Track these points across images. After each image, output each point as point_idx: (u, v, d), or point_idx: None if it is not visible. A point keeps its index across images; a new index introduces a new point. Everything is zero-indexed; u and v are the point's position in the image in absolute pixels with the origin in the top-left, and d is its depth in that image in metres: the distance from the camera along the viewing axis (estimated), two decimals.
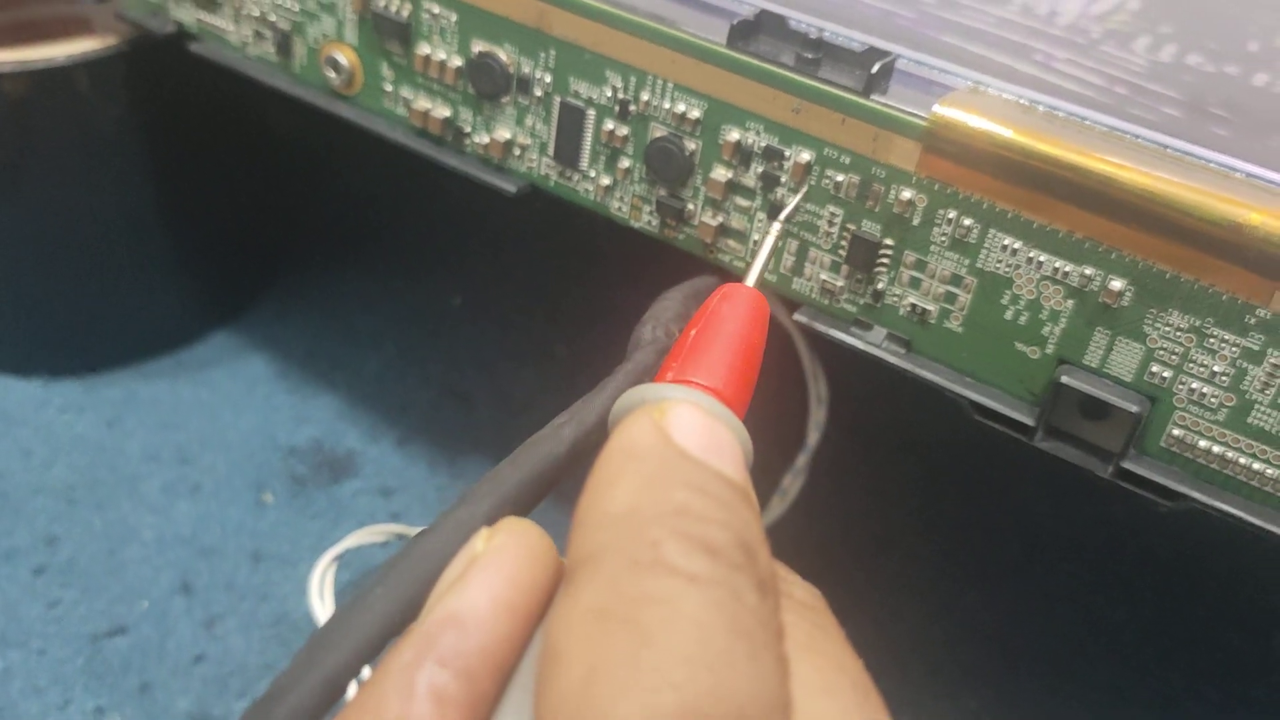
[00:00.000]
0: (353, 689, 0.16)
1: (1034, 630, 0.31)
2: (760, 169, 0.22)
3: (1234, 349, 0.18)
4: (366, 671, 0.15)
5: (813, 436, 0.30)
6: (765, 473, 0.28)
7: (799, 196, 0.21)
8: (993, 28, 0.24)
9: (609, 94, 0.23)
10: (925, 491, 0.35)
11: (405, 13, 0.24)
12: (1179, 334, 0.19)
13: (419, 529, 0.26)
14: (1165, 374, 0.19)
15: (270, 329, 0.39)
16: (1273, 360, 0.18)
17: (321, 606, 0.27)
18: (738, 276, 0.23)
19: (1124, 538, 0.35)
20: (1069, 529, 0.35)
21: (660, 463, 0.15)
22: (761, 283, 0.20)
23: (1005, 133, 0.19)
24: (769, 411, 0.31)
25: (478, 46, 0.24)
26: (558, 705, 0.12)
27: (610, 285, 0.23)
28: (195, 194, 0.36)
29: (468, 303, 0.41)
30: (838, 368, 0.29)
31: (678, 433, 0.15)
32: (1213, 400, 0.19)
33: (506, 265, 0.42)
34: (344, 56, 0.26)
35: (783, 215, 0.21)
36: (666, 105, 0.22)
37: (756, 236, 0.22)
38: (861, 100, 0.20)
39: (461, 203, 0.44)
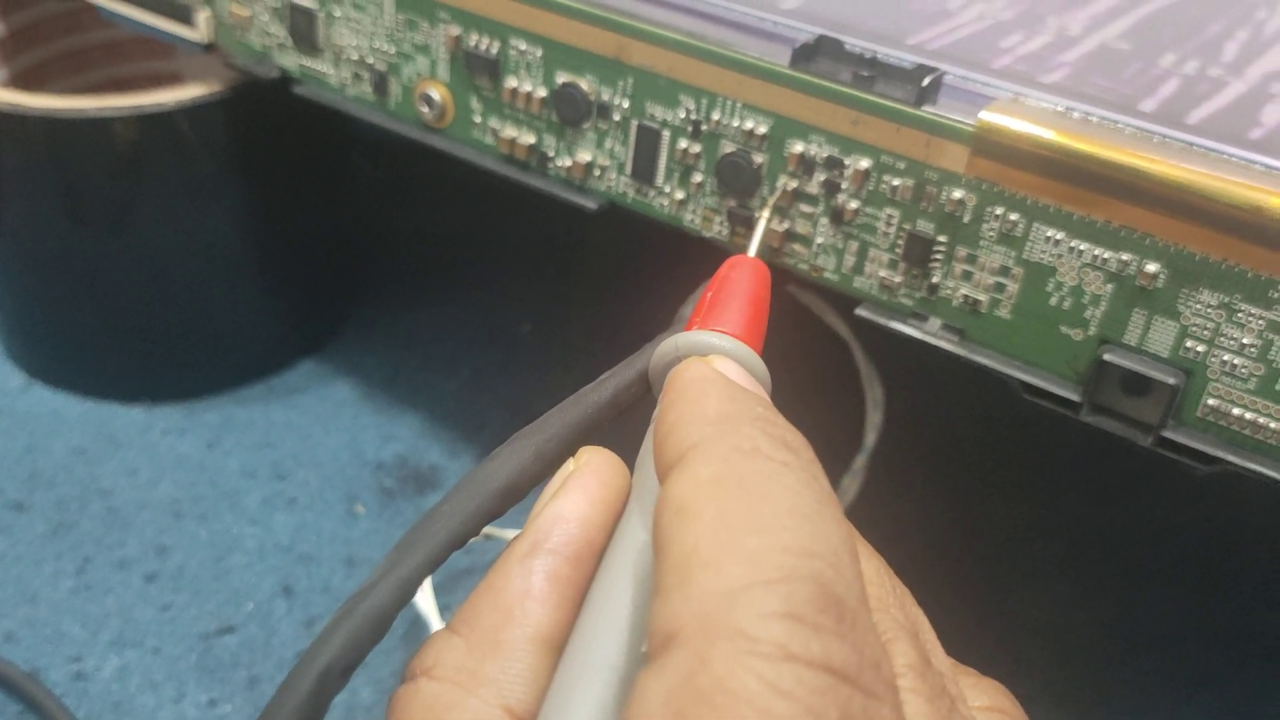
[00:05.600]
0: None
1: (1080, 622, 0.33)
2: (823, 177, 0.24)
3: (1260, 322, 0.20)
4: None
5: (870, 438, 0.32)
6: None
7: (780, 189, 0.24)
8: (1021, 47, 0.26)
9: (682, 115, 0.25)
10: (976, 493, 0.37)
11: (494, 50, 0.27)
12: (1210, 311, 0.21)
13: (501, 530, 0.29)
14: (1199, 348, 0.21)
15: (353, 356, 0.41)
16: None
17: (423, 600, 0.29)
18: (803, 276, 0.25)
19: (1166, 536, 0.36)
20: (1112, 528, 0.36)
21: (733, 387, 0.18)
22: (760, 252, 0.24)
23: (1046, 134, 0.21)
24: (828, 414, 0.33)
25: (561, 78, 0.26)
26: (693, 545, 0.15)
27: (666, 308, 0.26)
28: (285, 231, 0.39)
29: (536, 330, 0.43)
30: (893, 371, 0.31)
31: (729, 373, 0.19)
32: (1243, 371, 0.21)
33: (571, 294, 0.45)
34: (437, 93, 0.28)
35: (771, 200, 0.24)
36: (735, 123, 0.24)
37: (821, 240, 0.24)
38: (914, 111, 0.22)
39: (527, 237, 0.47)
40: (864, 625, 0.15)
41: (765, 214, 0.24)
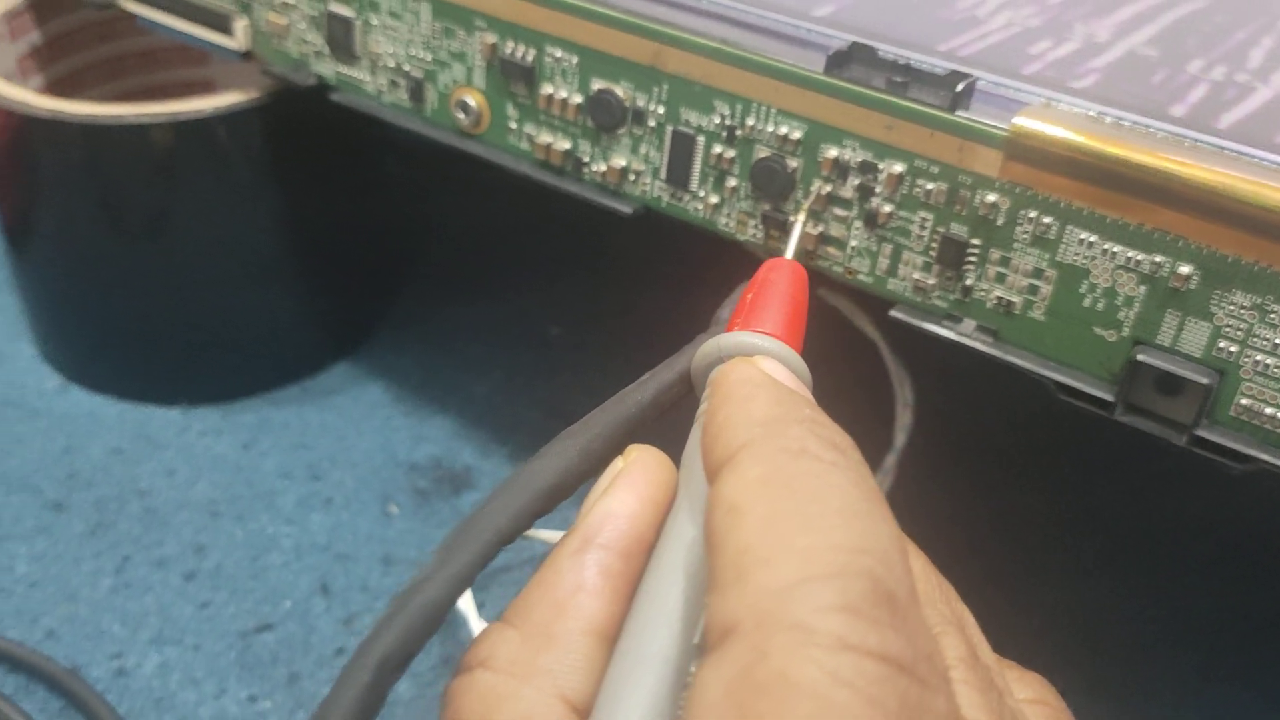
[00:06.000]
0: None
1: (1117, 620, 0.33)
2: (857, 181, 0.24)
3: None
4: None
5: (899, 438, 0.32)
6: None
7: (814, 193, 0.25)
8: (1050, 53, 0.27)
9: (717, 121, 0.25)
10: (1008, 492, 0.37)
11: (530, 57, 0.27)
12: (1243, 312, 0.21)
13: (537, 531, 0.29)
14: (1232, 349, 0.21)
15: (386, 359, 0.42)
16: None
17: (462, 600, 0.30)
18: (838, 278, 0.26)
19: (1200, 533, 0.36)
20: (1147, 526, 0.37)
21: (780, 388, 0.19)
22: (797, 255, 0.24)
23: (1079, 139, 0.22)
24: (858, 415, 0.34)
25: (597, 84, 0.27)
26: (746, 543, 0.15)
27: (695, 313, 0.26)
28: (320, 235, 0.39)
29: (567, 332, 0.43)
30: (922, 373, 0.31)
31: (774, 373, 0.19)
32: (1276, 371, 0.21)
33: (603, 297, 0.45)
34: (473, 99, 0.29)
35: (806, 204, 0.25)
36: (770, 128, 0.25)
37: (855, 243, 0.25)
38: (948, 116, 0.23)
39: (560, 240, 0.47)
40: (916, 619, 0.15)
41: (801, 218, 0.25)
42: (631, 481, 0.19)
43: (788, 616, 0.14)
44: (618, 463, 0.20)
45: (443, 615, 0.18)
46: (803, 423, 0.17)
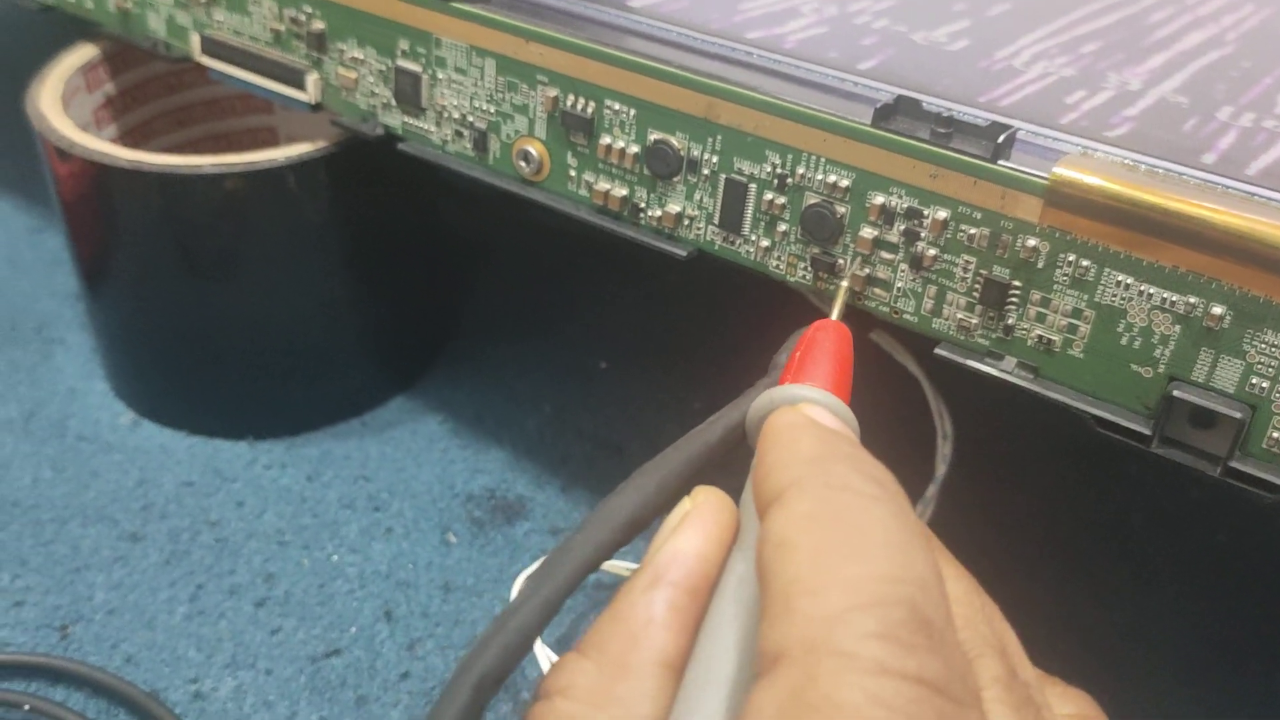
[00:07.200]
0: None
1: (1148, 644, 0.34)
2: (903, 227, 0.26)
3: None
4: None
5: (940, 469, 0.33)
6: None
7: (852, 267, 0.26)
8: (1085, 103, 0.28)
9: (768, 170, 0.27)
10: (1043, 522, 0.38)
11: (590, 110, 0.29)
12: (1274, 349, 0.22)
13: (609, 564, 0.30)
14: (1263, 384, 0.22)
15: (443, 394, 0.43)
16: None
17: None
18: (884, 318, 0.27)
19: (1229, 562, 0.37)
20: (1177, 555, 0.37)
21: (824, 430, 0.20)
22: (841, 316, 0.26)
23: (1115, 187, 0.23)
24: (900, 446, 0.35)
25: (653, 135, 0.28)
26: (794, 575, 0.17)
27: (740, 349, 0.27)
28: (380, 278, 0.41)
29: (614, 367, 0.45)
30: (960, 406, 0.32)
31: (820, 419, 0.21)
32: None
33: (646, 333, 0.47)
34: (534, 149, 0.31)
35: (849, 270, 0.27)
36: (819, 177, 0.26)
37: (900, 284, 0.26)
38: (990, 165, 0.24)
39: (604, 282, 0.49)
40: (951, 643, 0.16)
41: (845, 284, 0.27)
42: (698, 522, 0.21)
43: (833, 643, 0.15)
44: (685, 503, 0.21)
45: (535, 637, 0.19)
46: (846, 460, 0.19)
